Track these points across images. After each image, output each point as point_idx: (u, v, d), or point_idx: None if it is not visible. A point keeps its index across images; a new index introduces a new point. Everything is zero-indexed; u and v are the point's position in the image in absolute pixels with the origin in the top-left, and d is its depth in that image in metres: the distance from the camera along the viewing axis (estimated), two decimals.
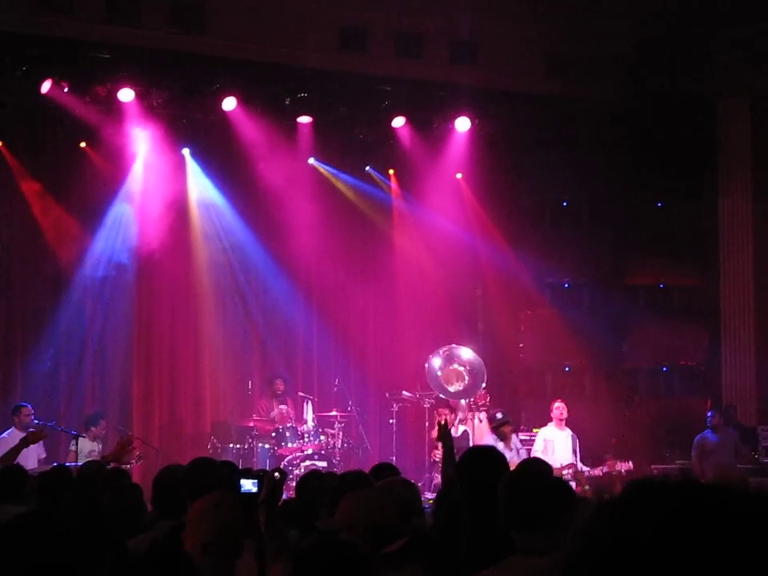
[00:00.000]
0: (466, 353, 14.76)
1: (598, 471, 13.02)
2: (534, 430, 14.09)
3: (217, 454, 13.55)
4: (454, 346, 14.84)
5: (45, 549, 2.74)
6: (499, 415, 13.09)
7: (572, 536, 1.44)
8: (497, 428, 12.97)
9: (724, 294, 16.19)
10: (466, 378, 14.59)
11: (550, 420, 13.63)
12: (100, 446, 13.53)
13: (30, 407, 12.94)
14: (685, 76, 15.55)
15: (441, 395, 14.53)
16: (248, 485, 4.62)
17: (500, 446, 12.16)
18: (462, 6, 14.52)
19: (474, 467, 5.28)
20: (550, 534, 3.87)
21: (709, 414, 14.64)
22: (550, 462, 8.78)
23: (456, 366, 14.70)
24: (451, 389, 14.50)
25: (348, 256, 16.44)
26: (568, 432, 13.51)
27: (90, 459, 10.68)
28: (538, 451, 13.06)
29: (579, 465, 13.08)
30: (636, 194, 16.34)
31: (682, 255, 16.54)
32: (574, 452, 13.36)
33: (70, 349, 15.09)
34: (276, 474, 4.93)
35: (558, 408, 13.60)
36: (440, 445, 9.72)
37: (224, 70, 14.35)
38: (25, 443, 8.73)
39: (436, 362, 14.59)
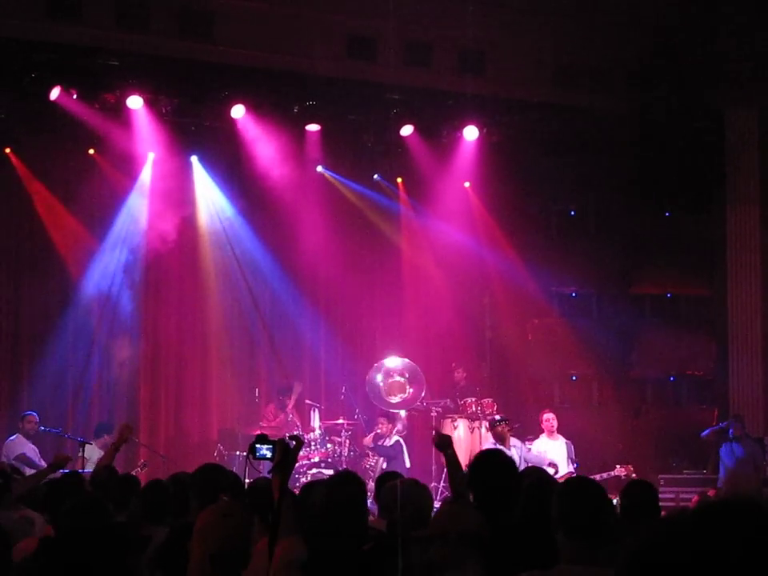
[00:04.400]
0: (396, 361, 15.04)
1: (603, 475, 12.92)
2: None
3: (223, 461, 13.50)
4: (385, 359, 15.15)
5: None
6: (497, 417, 13.25)
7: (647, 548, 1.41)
8: (492, 428, 13.05)
9: (731, 304, 16.14)
10: (408, 389, 14.88)
11: (542, 432, 13.61)
12: None
13: (36, 415, 12.95)
14: (693, 86, 15.52)
15: (382, 407, 14.84)
16: (263, 450, 4.76)
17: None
18: (471, 15, 14.51)
19: (484, 472, 5.29)
20: (598, 543, 3.89)
21: (730, 424, 14.50)
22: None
23: (397, 377, 14.95)
24: (393, 400, 14.85)
25: (356, 264, 16.43)
26: (561, 440, 13.48)
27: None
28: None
29: (573, 472, 12.97)
30: (643, 203, 16.31)
31: (690, 265, 16.52)
32: (571, 459, 13.32)
33: (77, 356, 15.10)
34: (292, 441, 5.00)
35: (549, 420, 13.56)
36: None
37: (232, 77, 14.36)
38: (52, 469, 8.79)
39: (377, 376, 14.91)
